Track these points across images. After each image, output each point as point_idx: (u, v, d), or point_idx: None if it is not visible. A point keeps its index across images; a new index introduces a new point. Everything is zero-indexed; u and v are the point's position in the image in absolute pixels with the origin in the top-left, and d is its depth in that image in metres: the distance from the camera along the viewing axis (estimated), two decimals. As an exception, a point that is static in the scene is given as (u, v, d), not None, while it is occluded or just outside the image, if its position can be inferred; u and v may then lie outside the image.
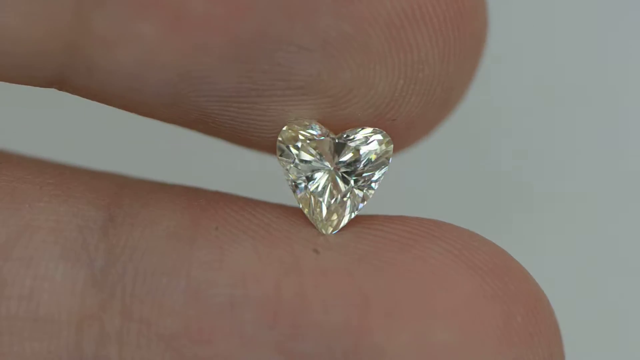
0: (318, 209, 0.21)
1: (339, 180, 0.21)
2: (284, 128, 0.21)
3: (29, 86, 0.21)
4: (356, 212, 0.22)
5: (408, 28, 0.20)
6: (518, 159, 0.34)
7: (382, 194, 0.22)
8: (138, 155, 0.28)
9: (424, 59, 0.21)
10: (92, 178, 0.22)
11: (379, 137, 0.21)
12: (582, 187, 0.34)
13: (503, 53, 0.31)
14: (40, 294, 0.20)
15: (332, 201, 0.21)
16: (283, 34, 0.20)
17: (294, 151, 0.21)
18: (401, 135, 0.22)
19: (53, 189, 0.21)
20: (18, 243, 0.21)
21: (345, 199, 0.21)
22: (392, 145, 0.21)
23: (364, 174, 0.21)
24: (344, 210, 0.21)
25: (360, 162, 0.21)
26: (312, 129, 0.21)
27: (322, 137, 0.21)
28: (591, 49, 0.35)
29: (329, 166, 0.21)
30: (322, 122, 0.21)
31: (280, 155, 0.21)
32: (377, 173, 0.21)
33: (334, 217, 0.21)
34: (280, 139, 0.21)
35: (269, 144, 0.22)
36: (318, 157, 0.21)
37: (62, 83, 0.21)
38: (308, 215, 0.21)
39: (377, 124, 0.21)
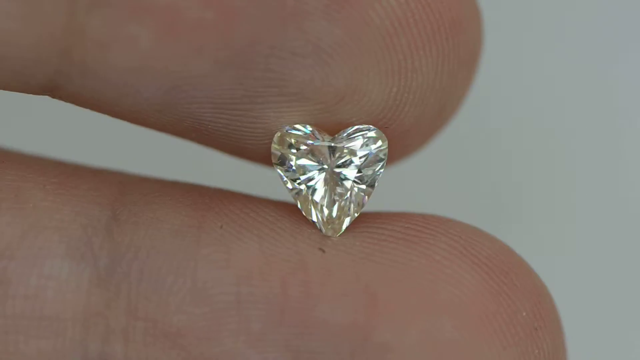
0: (319, 212, 0.21)
1: (337, 181, 0.21)
2: (278, 134, 0.21)
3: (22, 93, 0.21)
4: (359, 212, 0.21)
5: (401, 35, 0.20)
6: (518, 157, 0.35)
7: (384, 190, 0.22)
8: (141, 152, 0.28)
9: (417, 67, 0.20)
10: (95, 176, 0.22)
11: (373, 133, 0.21)
12: (580, 187, 0.34)
13: (503, 56, 0.31)
14: (45, 293, 0.20)
15: (333, 203, 0.21)
16: (275, 40, 0.20)
17: (290, 157, 0.21)
18: (396, 146, 0.22)
19: (56, 187, 0.21)
20: (22, 242, 0.21)
21: (346, 199, 0.21)
22: (386, 141, 0.21)
23: (362, 172, 0.21)
24: (347, 211, 0.21)
25: (357, 160, 0.21)
26: (305, 132, 0.21)
27: (317, 139, 0.21)
28: (591, 53, 0.35)
29: (326, 168, 0.21)
30: (316, 125, 0.21)
31: (276, 162, 0.21)
32: (375, 170, 0.21)
33: (337, 218, 0.21)
34: (274, 145, 0.21)
35: (263, 153, 0.21)
36: (314, 160, 0.21)
37: (54, 90, 0.21)
38: (310, 219, 0.21)
39: None
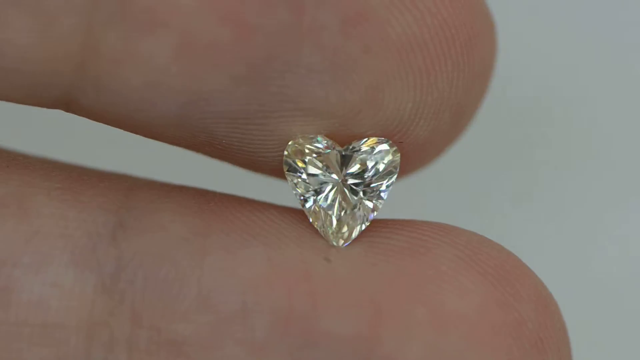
0: (328, 222, 0.21)
1: (347, 192, 0.21)
2: (290, 142, 0.21)
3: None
4: (367, 223, 0.21)
5: (417, 51, 0.20)
6: (528, 165, 0.35)
7: (391, 198, 0.22)
8: (148, 156, 0.28)
9: (433, 82, 0.20)
10: (101, 181, 0.22)
11: (385, 146, 0.21)
12: (585, 191, 0.34)
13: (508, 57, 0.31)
14: (49, 300, 0.20)
15: (342, 214, 0.21)
16: (292, 56, 0.20)
17: (301, 165, 0.21)
18: (409, 158, 0.22)
19: (61, 193, 0.21)
20: (27, 249, 0.20)
21: (354, 210, 0.21)
22: (398, 154, 0.21)
23: (373, 185, 0.21)
24: (355, 222, 0.21)
25: (368, 172, 0.21)
26: (318, 142, 0.21)
27: (329, 150, 0.21)
28: (607, 58, 0.35)
29: (337, 178, 0.21)
30: (328, 136, 0.21)
31: (287, 170, 0.21)
32: (385, 182, 0.21)
33: (345, 229, 0.21)
34: (286, 153, 0.21)
35: (275, 166, 0.21)
36: (325, 170, 0.21)
37: (69, 104, 0.21)
38: (319, 229, 0.21)
39: None
